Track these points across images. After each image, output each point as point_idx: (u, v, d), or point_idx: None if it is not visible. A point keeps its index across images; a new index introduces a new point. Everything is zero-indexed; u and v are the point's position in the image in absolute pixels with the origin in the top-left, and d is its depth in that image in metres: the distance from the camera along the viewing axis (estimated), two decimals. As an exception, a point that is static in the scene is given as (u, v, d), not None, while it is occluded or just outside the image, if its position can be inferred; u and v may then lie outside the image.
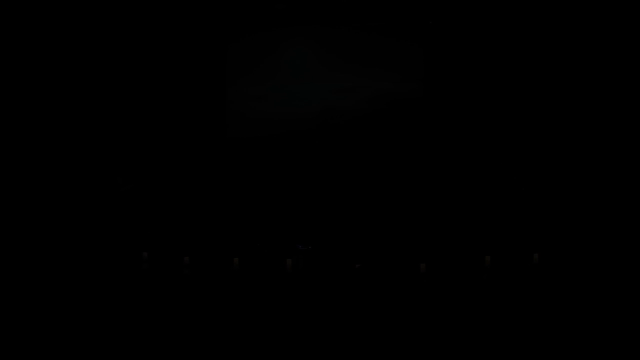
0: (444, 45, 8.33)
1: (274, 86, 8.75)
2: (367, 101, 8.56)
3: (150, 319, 5.73)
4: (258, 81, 8.78)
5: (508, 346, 5.22)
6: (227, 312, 5.89)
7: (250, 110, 8.80)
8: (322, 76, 8.65)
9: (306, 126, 8.69)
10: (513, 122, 8.14)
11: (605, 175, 7.77)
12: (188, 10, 8.63)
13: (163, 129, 8.74)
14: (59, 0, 8.33)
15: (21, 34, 8.31)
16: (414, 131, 8.46)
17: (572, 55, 7.96)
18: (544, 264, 7.04)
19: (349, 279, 6.83)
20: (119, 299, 6.17)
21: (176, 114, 8.76)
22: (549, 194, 7.99)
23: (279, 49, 8.76)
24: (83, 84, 8.60)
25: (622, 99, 7.76)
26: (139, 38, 8.67)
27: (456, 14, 8.25)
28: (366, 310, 5.87)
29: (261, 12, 8.61)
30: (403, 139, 8.47)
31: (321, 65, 8.65)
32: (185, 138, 8.75)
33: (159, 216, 8.54)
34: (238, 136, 8.83)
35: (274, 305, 6.03)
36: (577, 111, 7.96)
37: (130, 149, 8.72)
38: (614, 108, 7.79)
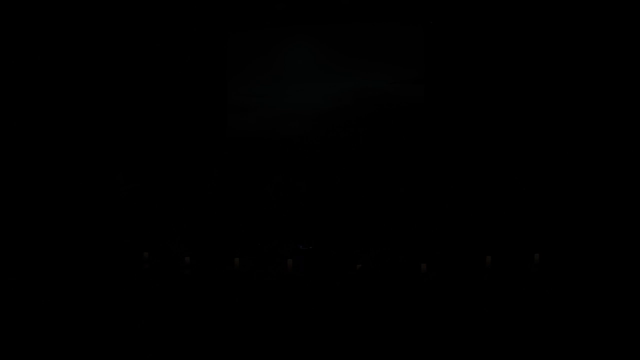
0: (444, 46, 8.32)
1: (275, 86, 8.75)
2: (368, 101, 8.56)
3: (150, 319, 5.73)
4: (258, 81, 8.78)
5: (509, 346, 5.22)
6: (228, 312, 5.89)
7: (250, 110, 8.81)
8: (323, 76, 8.65)
9: (306, 126, 8.69)
10: (514, 122, 8.14)
11: (606, 176, 7.76)
12: (188, 9, 8.63)
13: (164, 129, 8.74)
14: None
15: (19, 31, 8.33)
16: (415, 131, 8.45)
17: (572, 55, 7.95)
18: (545, 264, 7.04)
19: (350, 279, 6.83)
20: (120, 299, 6.17)
21: (177, 114, 8.76)
22: (550, 195, 7.99)
23: (279, 49, 8.76)
24: (82, 83, 8.61)
25: (623, 100, 7.75)
26: (139, 38, 8.67)
27: (457, 14, 8.24)
28: (367, 311, 5.86)
29: (261, 12, 8.62)
30: (404, 139, 8.47)
31: (321, 65, 8.66)
32: (186, 138, 8.75)
33: (159, 216, 8.55)
34: (238, 136, 8.84)
35: (274, 305, 6.03)
36: (579, 111, 7.95)
37: (130, 148, 8.73)
38: (614, 109, 7.78)
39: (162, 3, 8.60)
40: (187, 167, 8.74)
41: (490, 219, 8.04)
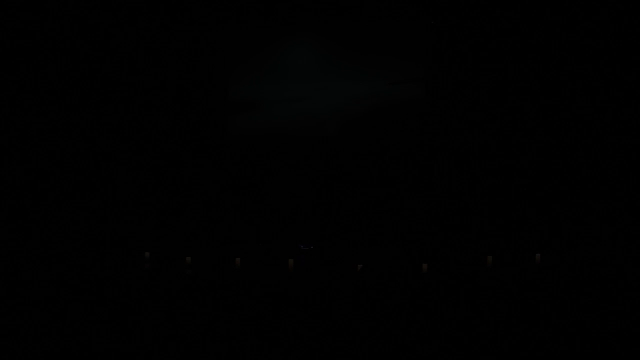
0: (445, 46, 8.32)
1: (275, 84, 8.73)
2: (369, 100, 8.55)
3: (152, 318, 5.73)
4: (258, 81, 8.77)
5: (509, 346, 5.22)
6: (229, 312, 5.89)
7: (251, 109, 8.80)
8: (323, 76, 8.64)
9: (307, 124, 8.69)
10: (515, 122, 8.13)
11: (606, 176, 7.76)
12: (188, 9, 8.64)
13: (164, 128, 8.74)
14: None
15: (18, 31, 8.35)
16: (415, 131, 8.45)
17: (575, 55, 7.95)
18: (546, 265, 7.04)
19: (351, 279, 6.83)
20: (121, 299, 6.17)
21: (177, 113, 8.76)
22: (551, 195, 7.98)
23: (279, 48, 8.75)
24: (82, 82, 8.62)
25: (623, 100, 7.75)
26: (139, 38, 8.68)
27: (457, 14, 8.24)
28: (368, 311, 5.87)
29: (262, 12, 8.62)
30: (405, 138, 8.46)
31: (322, 63, 8.65)
32: (187, 137, 8.75)
33: (160, 216, 8.55)
34: (239, 134, 8.82)
35: (275, 305, 6.03)
36: (581, 111, 7.95)
37: (130, 148, 8.73)
38: (615, 110, 7.78)
39: (163, 2, 8.61)
40: (188, 167, 8.73)
41: (491, 219, 8.04)
